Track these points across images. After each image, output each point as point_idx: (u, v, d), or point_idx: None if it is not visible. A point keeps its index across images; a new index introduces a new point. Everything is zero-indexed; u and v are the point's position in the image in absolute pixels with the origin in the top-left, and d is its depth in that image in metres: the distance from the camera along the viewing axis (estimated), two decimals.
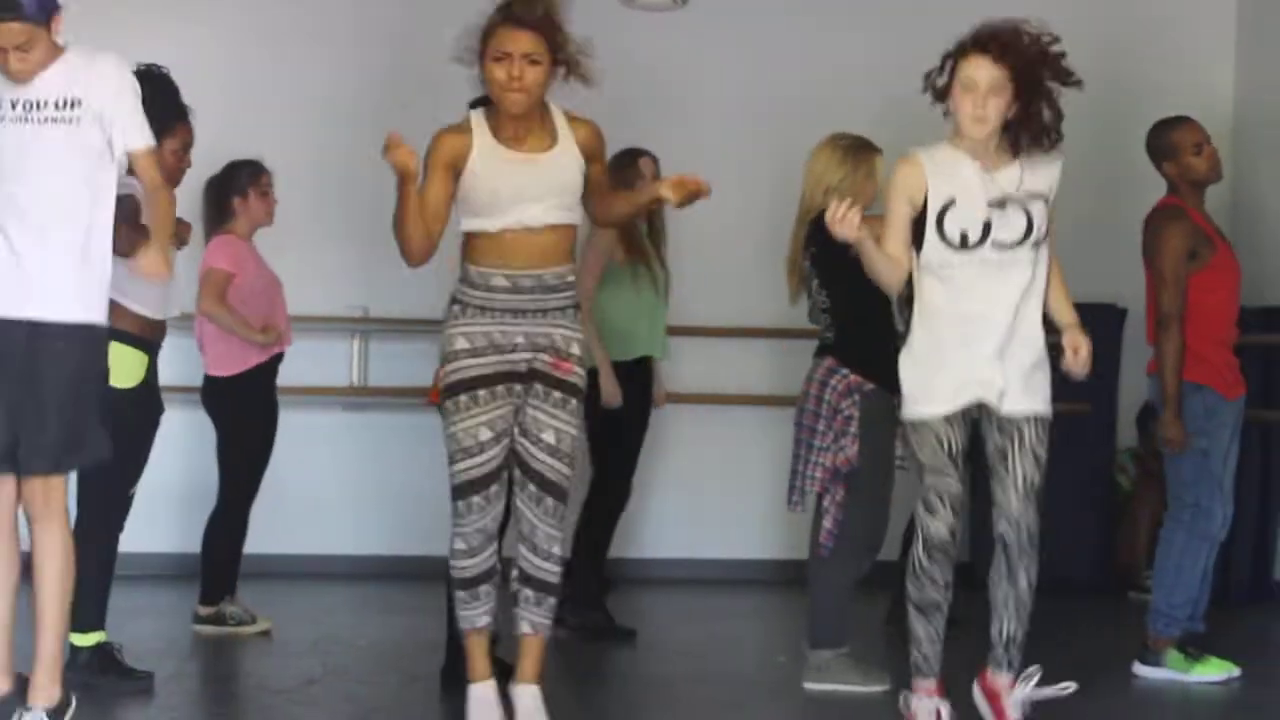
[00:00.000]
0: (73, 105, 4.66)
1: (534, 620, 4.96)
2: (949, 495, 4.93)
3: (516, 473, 4.96)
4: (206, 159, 7.50)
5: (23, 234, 4.65)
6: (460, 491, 4.87)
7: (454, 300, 4.94)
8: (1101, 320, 7.51)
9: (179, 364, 7.12)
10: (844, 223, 4.79)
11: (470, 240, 4.96)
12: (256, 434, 6.97)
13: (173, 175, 5.76)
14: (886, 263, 4.99)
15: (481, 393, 4.83)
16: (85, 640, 5.59)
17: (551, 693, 5.07)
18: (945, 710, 5.11)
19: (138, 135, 4.78)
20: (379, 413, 8.40)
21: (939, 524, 4.94)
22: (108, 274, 4.75)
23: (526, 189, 4.84)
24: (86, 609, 5.46)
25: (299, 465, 7.97)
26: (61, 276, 4.67)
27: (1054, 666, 5.22)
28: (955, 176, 4.95)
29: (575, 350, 4.94)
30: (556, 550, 4.95)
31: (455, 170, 4.88)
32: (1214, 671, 6.15)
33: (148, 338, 5.71)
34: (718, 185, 8.29)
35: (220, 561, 6.94)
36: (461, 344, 4.85)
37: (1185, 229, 6.12)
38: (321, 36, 8.47)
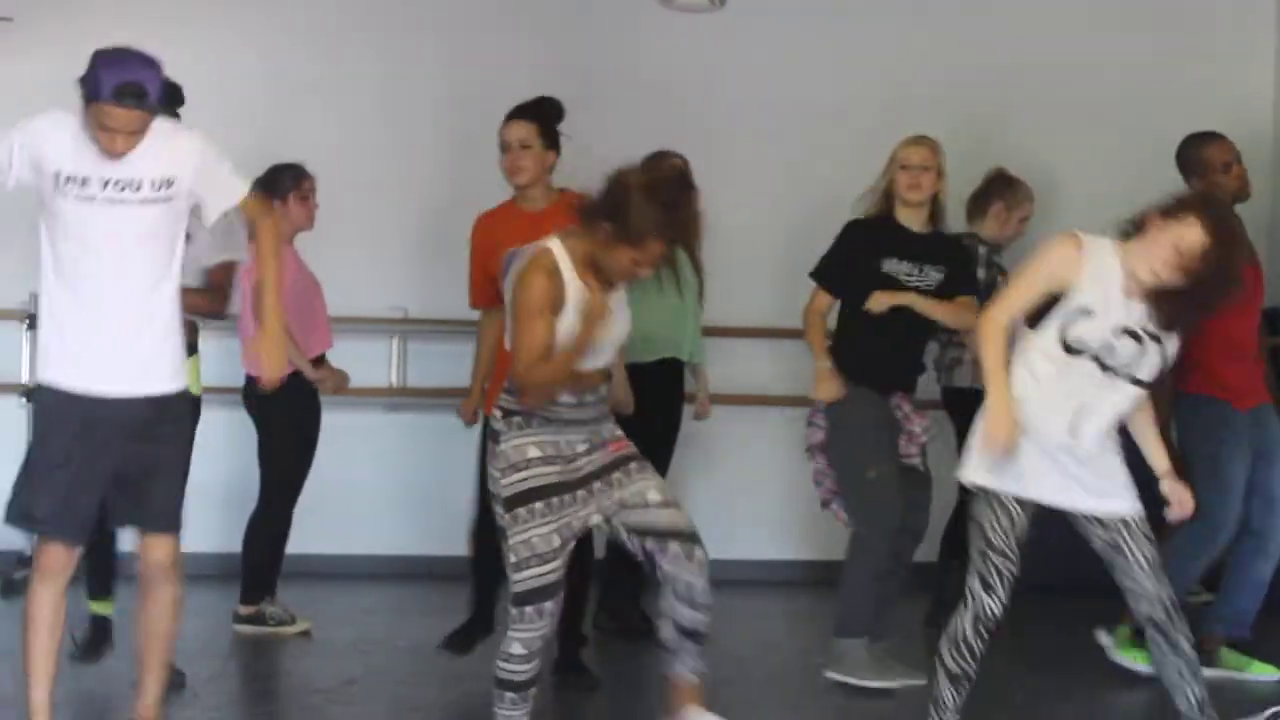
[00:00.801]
0: (168, 185, 4.68)
1: (697, 666, 5.00)
2: (1008, 577, 4.86)
3: (649, 542, 4.89)
4: (246, 161, 7.54)
5: (126, 313, 4.70)
6: (531, 597, 4.78)
7: (510, 413, 4.86)
8: None
9: (219, 364, 7.17)
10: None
11: None
12: (299, 435, 7.01)
13: None
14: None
15: (554, 500, 4.80)
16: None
17: (587, 696, 5.07)
18: None
19: (238, 186, 4.87)
20: (418, 413, 8.42)
21: (994, 603, 4.86)
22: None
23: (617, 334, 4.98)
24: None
25: (339, 466, 8.00)
26: (170, 349, 4.80)
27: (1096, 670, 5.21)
28: (1104, 288, 4.79)
29: (619, 432, 5.01)
30: (709, 600, 4.93)
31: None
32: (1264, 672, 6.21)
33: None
34: (753, 185, 8.42)
35: (261, 562, 6.98)
36: (534, 452, 4.81)
37: None
38: (362, 37, 8.49)
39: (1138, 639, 6.12)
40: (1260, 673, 6.22)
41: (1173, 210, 4.72)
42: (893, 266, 6.04)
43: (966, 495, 7.02)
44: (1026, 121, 8.43)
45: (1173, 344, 4.85)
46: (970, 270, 6.50)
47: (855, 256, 6.10)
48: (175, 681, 5.83)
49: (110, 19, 7.90)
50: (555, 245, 4.78)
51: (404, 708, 5.68)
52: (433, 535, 8.23)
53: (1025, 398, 4.79)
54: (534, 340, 4.68)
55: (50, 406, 4.74)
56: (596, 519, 4.87)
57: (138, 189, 4.62)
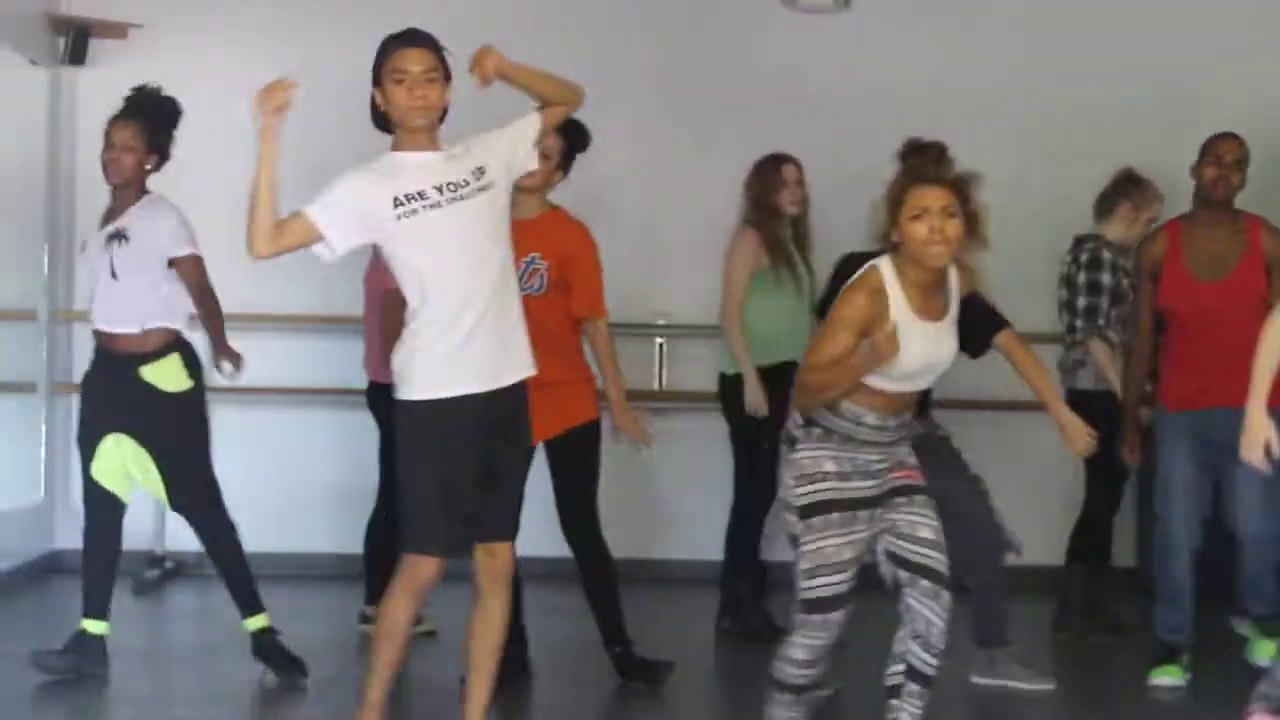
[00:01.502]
0: (481, 173, 4.78)
1: (914, 712, 4.89)
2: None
3: (903, 574, 4.84)
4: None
5: (492, 304, 4.76)
6: (821, 606, 4.78)
7: (812, 423, 4.81)
8: None
9: (334, 366, 7.24)
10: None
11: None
12: None
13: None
14: None
15: (848, 514, 4.76)
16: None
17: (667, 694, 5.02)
18: None
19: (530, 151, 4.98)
20: None
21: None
22: None
23: (924, 363, 4.76)
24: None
25: None
26: (525, 335, 4.89)
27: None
28: None
29: (914, 460, 4.93)
30: (943, 645, 4.86)
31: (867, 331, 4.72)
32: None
33: None
34: (873, 190, 8.35)
35: (383, 562, 7.01)
36: (830, 466, 4.77)
37: (1150, 249, 6.37)
38: (480, 37, 8.46)
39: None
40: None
41: None
42: None
43: (1094, 502, 7.07)
44: (1148, 121, 8.33)
45: None
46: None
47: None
48: (297, 671, 5.94)
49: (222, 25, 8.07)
50: (884, 264, 4.75)
51: (535, 707, 5.69)
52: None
53: None
54: (830, 350, 4.65)
55: (422, 419, 4.76)
56: (873, 533, 4.81)
57: (465, 184, 4.72)
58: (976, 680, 6.09)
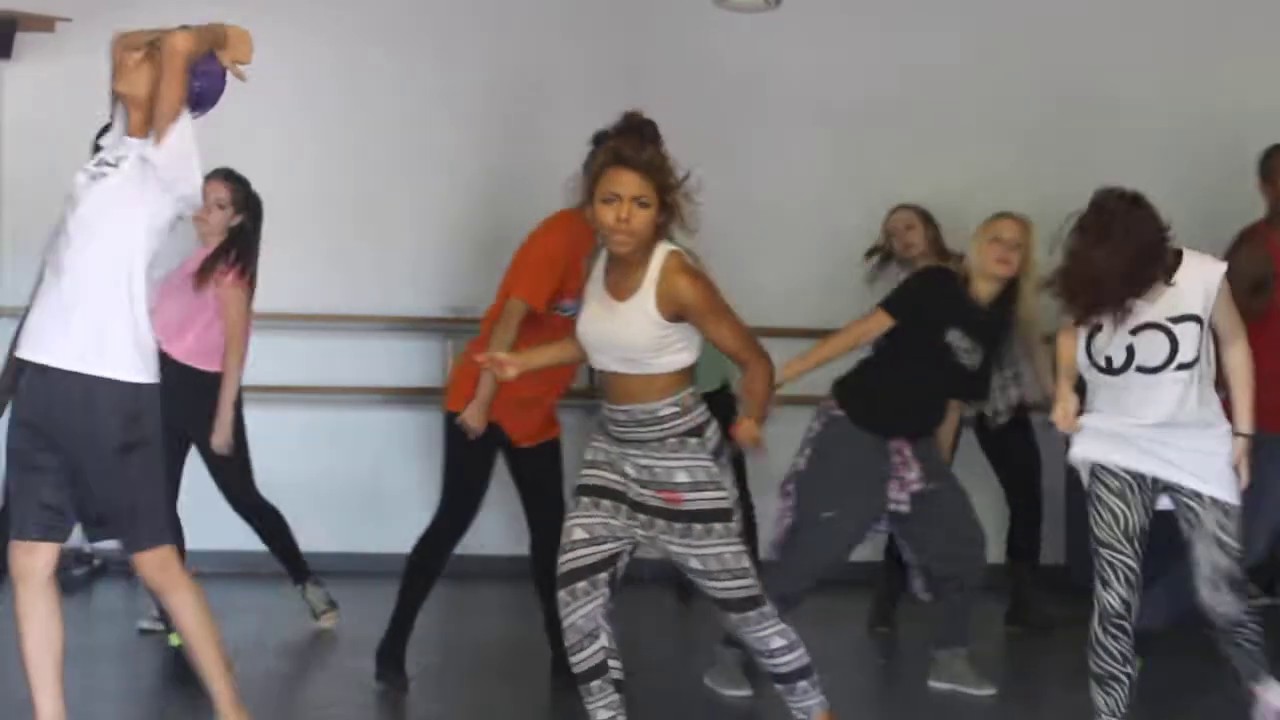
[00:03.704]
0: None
1: (800, 706, 4.97)
2: (1122, 569, 4.93)
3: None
4: (323, 160, 7.60)
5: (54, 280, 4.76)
6: (559, 581, 4.81)
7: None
8: None
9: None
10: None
11: None
12: None
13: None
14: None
15: (585, 499, 4.79)
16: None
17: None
18: None
19: None
20: None
21: (1112, 597, 4.92)
22: None
23: (600, 336, 4.76)
24: None
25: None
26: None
27: None
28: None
29: (679, 478, 4.73)
30: (772, 645, 4.88)
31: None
32: None
33: None
34: (804, 187, 8.40)
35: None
36: (588, 454, 4.85)
37: (1253, 254, 6.23)
38: (438, 34, 8.51)
39: None
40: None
41: None
42: (955, 339, 5.94)
43: (1020, 502, 7.15)
44: (1080, 133, 8.39)
45: (1197, 289, 4.97)
46: (997, 352, 6.37)
47: (929, 311, 5.97)
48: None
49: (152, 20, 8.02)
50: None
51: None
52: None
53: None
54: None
55: None
56: (633, 532, 4.79)
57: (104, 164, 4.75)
58: (933, 684, 6.13)
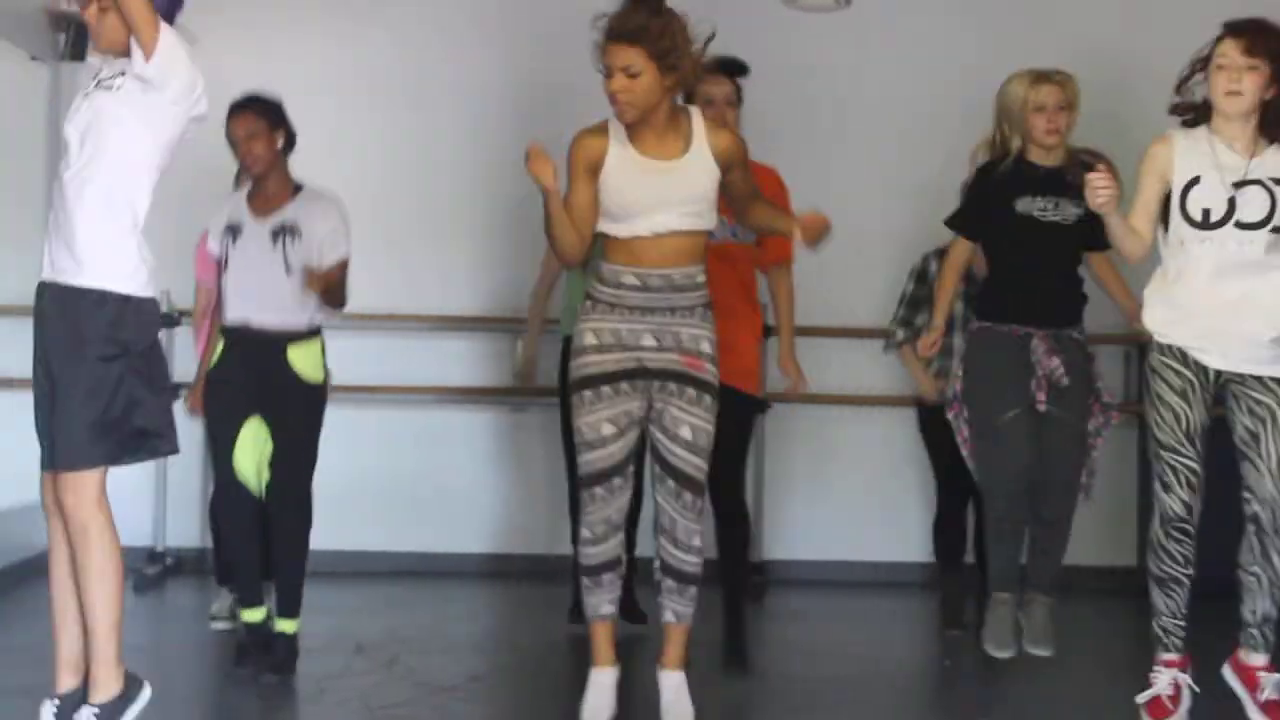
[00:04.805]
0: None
1: (677, 609, 5.13)
2: (1184, 473, 4.98)
3: (655, 468, 5.08)
4: (378, 156, 7.61)
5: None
6: (585, 482, 5.06)
7: (587, 295, 5.08)
8: None
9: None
10: (1099, 192, 5.05)
11: (604, 239, 5.10)
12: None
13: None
14: (1129, 234, 5.18)
15: (605, 388, 4.98)
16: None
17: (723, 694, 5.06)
18: (1185, 683, 5.14)
19: None
20: (542, 411, 8.42)
21: (1174, 501, 4.98)
22: None
23: (656, 196, 4.95)
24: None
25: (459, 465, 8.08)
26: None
27: None
28: (1203, 155, 5.08)
29: (705, 348, 5.05)
30: (696, 542, 5.09)
31: (595, 172, 4.99)
32: None
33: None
34: (873, 187, 8.38)
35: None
36: (589, 339, 5.01)
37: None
38: (502, 34, 8.55)
39: None
40: None
41: (1198, 64, 5.17)
42: (1026, 205, 5.89)
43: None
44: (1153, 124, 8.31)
45: None
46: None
47: (989, 199, 5.94)
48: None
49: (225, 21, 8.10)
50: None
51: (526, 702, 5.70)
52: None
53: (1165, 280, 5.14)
54: (568, 199, 4.99)
55: None
56: (643, 409, 5.03)
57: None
58: (1033, 649, 5.88)
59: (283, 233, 5.94)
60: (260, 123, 5.95)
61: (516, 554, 8.40)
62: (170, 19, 4.74)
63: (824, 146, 8.19)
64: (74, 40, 8.06)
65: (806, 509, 8.42)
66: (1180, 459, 4.96)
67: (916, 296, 7.06)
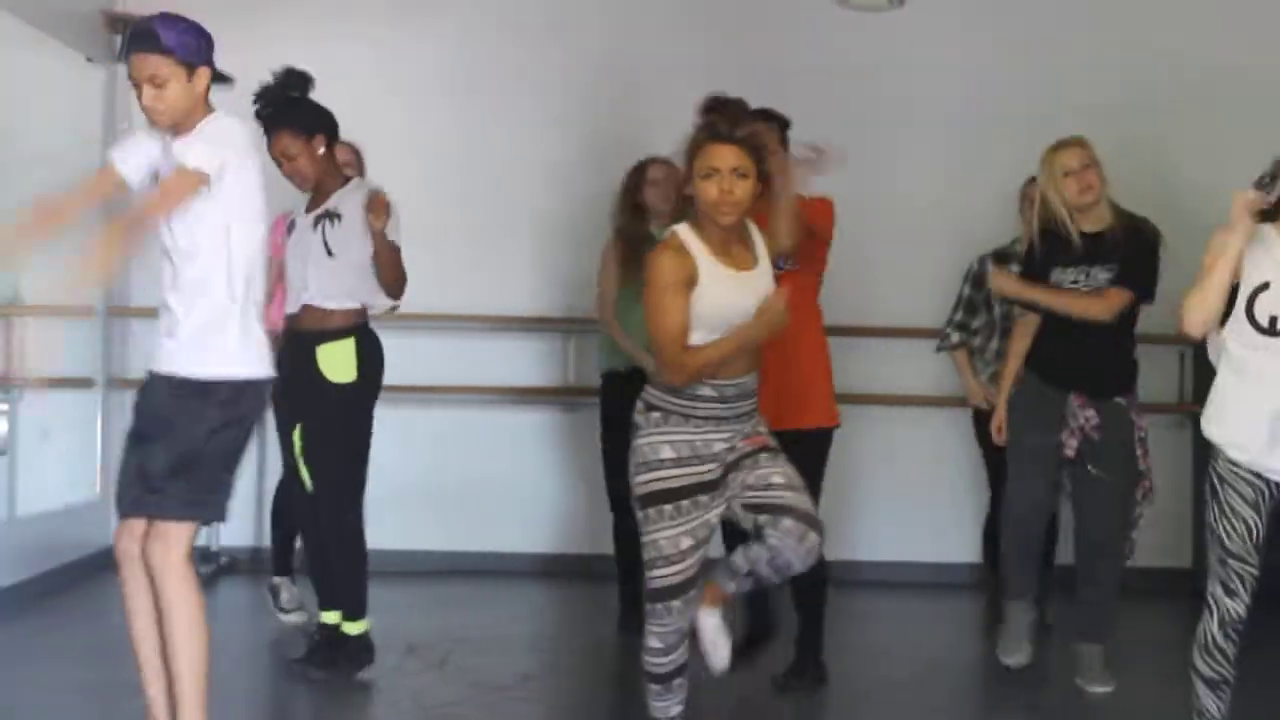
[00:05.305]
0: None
1: (736, 587, 4.96)
2: (1249, 580, 4.93)
3: (762, 517, 4.82)
4: (438, 154, 7.63)
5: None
6: (659, 596, 4.86)
7: (651, 406, 4.86)
8: None
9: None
10: None
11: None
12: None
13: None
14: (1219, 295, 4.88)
15: (685, 503, 4.80)
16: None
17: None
18: None
19: None
20: (588, 411, 8.42)
21: (1238, 605, 4.93)
22: None
23: (744, 308, 4.82)
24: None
25: (508, 464, 8.10)
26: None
27: None
28: (1275, 261, 4.86)
29: (762, 429, 4.94)
30: (798, 567, 4.86)
31: (691, 288, 4.78)
32: None
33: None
34: (928, 188, 8.36)
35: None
36: (667, 453, 4.80)
37: None
38: (565, 35, 8.56)
39: None
40: None
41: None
42: (1059, 276, 6.00)
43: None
44: (1202, 129, 8.27)
45: None
46: (1144, 261, 6.13)
47: (1035, 270, 6.10)
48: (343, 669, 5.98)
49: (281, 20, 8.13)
50: (681, 227, 4.85)
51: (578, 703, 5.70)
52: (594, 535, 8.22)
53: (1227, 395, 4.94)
54: (674, 318, 4.73)
55: None
56: (722, 509, 4.86)
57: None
58: (1087, 688, 6.02)
59: (324, 218, 5.97)
60: (296, 141, 5.92)
61: (568, 554, 8.41)
62: (209, 61, 4.71)
63: (876, 147, 8.16)
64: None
65: (864, 510, 8.41)
66: (1249, 568, 4.93)
67: (973, 300, 7.10)
